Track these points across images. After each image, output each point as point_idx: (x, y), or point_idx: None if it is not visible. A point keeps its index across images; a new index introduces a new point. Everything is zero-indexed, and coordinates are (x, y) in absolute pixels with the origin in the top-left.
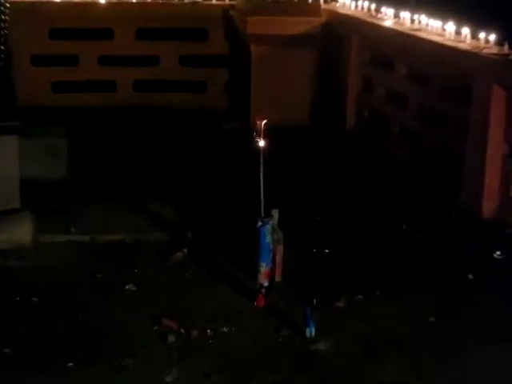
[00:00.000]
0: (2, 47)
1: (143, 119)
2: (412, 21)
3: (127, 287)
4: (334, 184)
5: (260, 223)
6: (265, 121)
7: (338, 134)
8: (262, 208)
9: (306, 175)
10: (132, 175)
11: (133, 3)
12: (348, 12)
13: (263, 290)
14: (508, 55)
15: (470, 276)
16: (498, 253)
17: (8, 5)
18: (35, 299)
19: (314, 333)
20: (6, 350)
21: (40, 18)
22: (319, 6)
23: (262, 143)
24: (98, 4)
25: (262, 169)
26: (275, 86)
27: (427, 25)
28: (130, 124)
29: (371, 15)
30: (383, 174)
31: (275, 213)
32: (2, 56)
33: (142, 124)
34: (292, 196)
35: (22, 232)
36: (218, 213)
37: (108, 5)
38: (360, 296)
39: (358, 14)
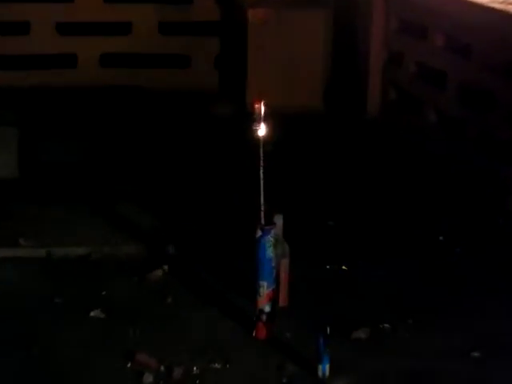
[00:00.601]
0: None
1: (112, 102)
2: None
3: (93, 314)
4: (353, 183)
5: (260, 233)
6: (264, 102)
7: (358, 121)
8: (263, 213)
9: (317, 172)
10: (99, 172)
11: None
12: None
13: (264, 317)
14: None
15: None
16: None
17: None
18: None
19: (327, 371)
20: None
21: None
22: None
23: (262, 132)
24: None
25: (262, 164)
26: (278, 61)
27: None
28: (95, 109)
29: None
30: (414, 170)
31: (279, 219)
32: None
33: (110, 109)
34: (300, 198)
35: None
36: (206, 220)
37: None
38: (386, 324)
39: None
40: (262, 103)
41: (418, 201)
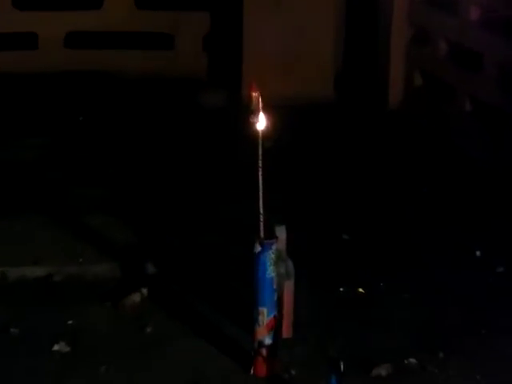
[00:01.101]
0: None
1: (79, 90)
2: None
3: (56, 347)
4: (372, 187)
5: (258, 248)
6: (263, 90)
7: (377, 112)
8: (262, 224)
9: (328, 174)
10: (65, 175)
11: None
12: None
13: (264, 351)
14: None
15: None
16: None
17: None
18: None
19: None
20: None
21: None
22: None
23: (260, 125)
24: None
25: (260, 165)
26: (280, 41)
27: None
28: (59, 97)
29: None
30: (444, 170)
31: (281, 231)
32: None
33: (77, 98)
34: (308, 206)
35: None
36: (193, 233)
37: None
38: (412, 359)
39: None
40: (261, 91)
41: (450, 208)
